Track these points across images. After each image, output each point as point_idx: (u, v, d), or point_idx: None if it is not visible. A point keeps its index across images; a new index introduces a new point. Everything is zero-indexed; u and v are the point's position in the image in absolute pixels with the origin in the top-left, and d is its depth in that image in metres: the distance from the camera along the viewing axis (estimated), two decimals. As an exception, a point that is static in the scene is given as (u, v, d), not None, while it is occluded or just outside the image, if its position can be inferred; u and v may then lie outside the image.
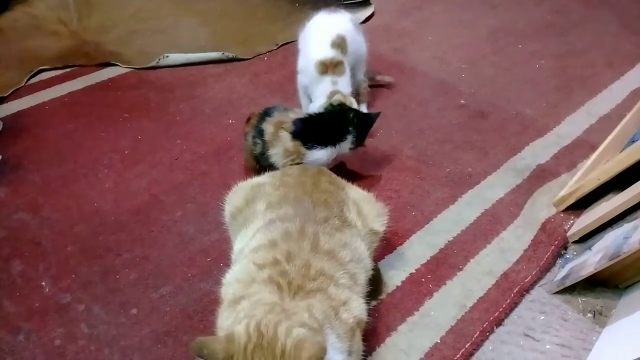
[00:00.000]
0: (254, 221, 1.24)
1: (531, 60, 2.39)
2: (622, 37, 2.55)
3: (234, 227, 1.31)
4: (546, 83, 2.23)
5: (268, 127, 1.59)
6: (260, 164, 1.62)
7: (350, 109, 1.63)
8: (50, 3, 2.78)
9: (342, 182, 1.38)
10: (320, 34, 1.85)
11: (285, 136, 1.57)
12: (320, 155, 1.58)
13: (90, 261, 1.46)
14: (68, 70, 2.27)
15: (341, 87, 1.77)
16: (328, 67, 1.77)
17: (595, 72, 2.30)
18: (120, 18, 2.67)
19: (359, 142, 1.65)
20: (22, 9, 2.72)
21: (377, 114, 1.68)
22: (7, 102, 2.08)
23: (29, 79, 2.20)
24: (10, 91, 2.12)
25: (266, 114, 1.63)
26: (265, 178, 1.37)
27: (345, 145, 1.62)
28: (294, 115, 1.61)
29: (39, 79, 2.21)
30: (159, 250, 1.49)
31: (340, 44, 1.82)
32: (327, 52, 1.79)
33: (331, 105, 1.64)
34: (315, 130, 1.58)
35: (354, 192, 1.37)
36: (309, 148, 1.57)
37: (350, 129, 1.61)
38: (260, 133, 1.60)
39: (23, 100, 2.09)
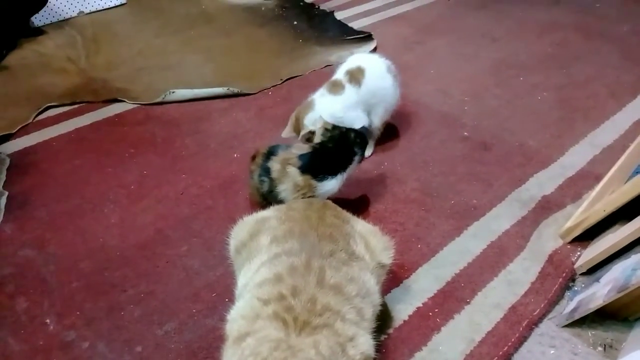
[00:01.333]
0: (258, 255, 1.24)
1: (533, 92, 2.41)
2: (622, 69, 2.57)
3: (239, 261, 1.30)
4: (549, 115, 2.25)
5: (274, 165, 1.60)
6: (268, 201, 1.61)
7: (349, 130, 1.64)
8: (58, 41, 2.84)
9: (348, 215, 1.38)
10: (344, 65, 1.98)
11: (294, 172, 1.57)
12: (332, 184, 1.60)
13: (95, 297, 1.46)
14: (75, 106, 2.30)
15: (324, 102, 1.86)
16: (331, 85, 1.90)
17: (597, 103, 2.32)
18: (127, 55, 2.72)
19: (362, 157, 1.68)
20: (31, 47, 2.78)
21: (364, 128, 1.74)
22: (15, 139, 2.10)
23: (36, 116, 2.23)
24: (19, 127, 2.15)
25: (271, 152, 1.63)
26: (270, 212, 1.37)
27: (353, 167, 1.64)
28: (297, 151, 1.62)
29: (47, 116, 2.24)
30: (164, 286, 1.49)
31: (354, 73, 1.91)
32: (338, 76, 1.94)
33: (327, 130, 1.63)
34: (322, 161, 1.59)
35: (360, 225, 1.36)
36: (320, 180, 1.58)
37: (356, 149, 1.63)
38: (266, 171, 1.60)
39: (31, 136, 2.12)
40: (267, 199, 1.62)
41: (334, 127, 1.63)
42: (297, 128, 1.83)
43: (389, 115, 2.02)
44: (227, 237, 1.36)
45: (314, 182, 1.57)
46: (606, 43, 2.84)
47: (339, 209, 1.39)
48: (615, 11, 3.20)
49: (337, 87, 1.89)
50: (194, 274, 1.52)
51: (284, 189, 1.59)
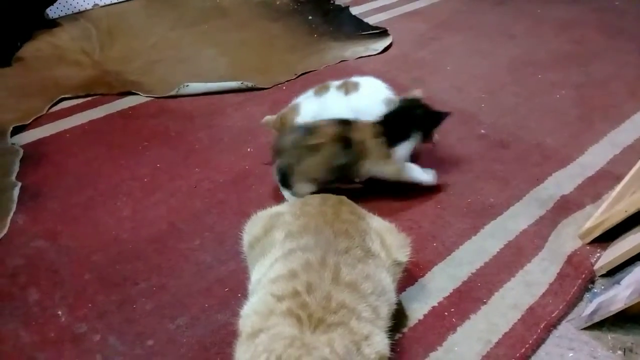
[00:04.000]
0: (272, 250, 1.22)
1: (552, 90, 2.36)
2: (643, 68, 2.53)
3: (252, 256, 1.29)
4: (567, 113, 2.21)
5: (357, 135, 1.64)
6: (337, 176, 1.66)
7: (420, 105, 1.71)
8: (73, 33, 2.84)
9: (363, 212, 1.36)
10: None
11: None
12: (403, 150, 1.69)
13: (107, 290, 1.44)
14: (89, 98, 2.30)
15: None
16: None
17: (617, 102, 2.27)
18: (141, 48, 2.71)
19: (426, 138, 1.75)
20: (46, 39, 2.77)
21: (446, 114, 1.76)
22: (28, 130, 2.10)
23: (50, 107, 2.23)
24: (32, 119, 2.15)
25: (346, 122, 1.66)
26: (284, 207, 1.35)
27: (408, 145, 1.70)
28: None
29: (61, 107, 2.24)
30: (176, 280, 1.47)
31: (348, 84, 1.87)
32: None
33: (403, 100, 1.72)
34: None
35: (376, 222, 1.34)
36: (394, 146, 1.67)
37: (415, 127, 1.70)
38: (348, 144, 1.63)
39: (44, 128, 2.11)
40: (339, 173, 1.66)
41: (411, 99, 1.72)
42: (279, 128, 1.85)
43: None
44: (240, 232, 1.35)
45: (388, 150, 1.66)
46: (626, 41, 2.78)
47: (355, 205, 1.37)
48: (635, 8, 3.15)
49: (322, 89, 1.86)
50: (206, 269, 1.50)
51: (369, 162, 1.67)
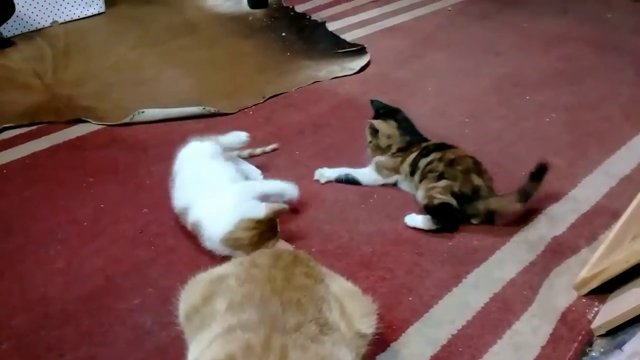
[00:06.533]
0: (213, 325, 1.02)
1: (541, 113, 2.18)
2: (638, 87, 2.35)
3: (190, 330, 1.08)
4: (558, 139, 2.02)
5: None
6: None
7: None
8: (26, 54, 2.63)
9: (322, 272, 1.15)
10: None
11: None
12: None
13: (26, 362, 1.24)
14: (34, 127, 2.08)
15: None
16: None
17: (611, 126, 2.09)
18: (98, 69, 2.51)
19: None
20: (-4, 60, 2.56)
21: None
22: (-39, 165, 1.89)
23: (-11, 138, 2.02)
24: (-32, 152, 1.93)
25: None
26: (230, 268, 1.15)
27: None
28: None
29: (1, 138, 2.02)
30: (109, 349, 1.26)
31: None
32: None
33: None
34: None
35: (337, 284, 1.14)
36: None
37: None
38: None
39: (-21, 162, 1.90)
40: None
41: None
42: None
43: None
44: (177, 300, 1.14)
45: None
46: (620, 57, 2.61)
47: (312, 263, 1.17)
48: (629, 22, 2.98)
49: None
50: (145, 334, 1.30)
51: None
